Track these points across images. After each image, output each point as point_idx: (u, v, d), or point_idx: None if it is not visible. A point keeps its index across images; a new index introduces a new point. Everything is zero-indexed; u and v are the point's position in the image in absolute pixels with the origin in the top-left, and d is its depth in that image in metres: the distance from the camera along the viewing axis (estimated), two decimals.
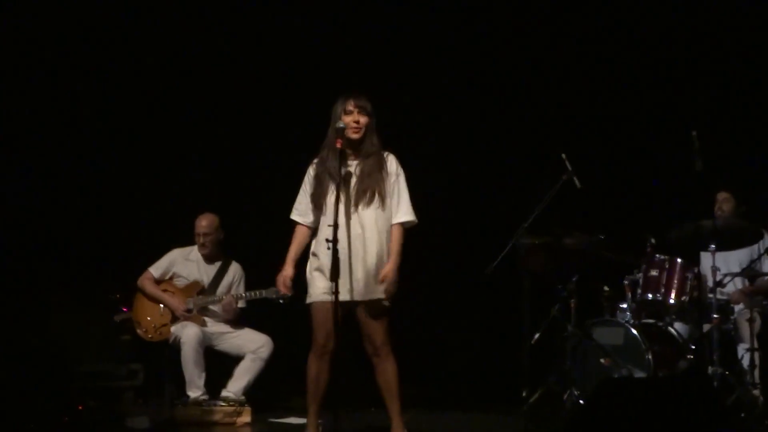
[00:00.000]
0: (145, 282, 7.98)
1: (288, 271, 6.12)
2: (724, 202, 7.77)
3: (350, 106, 6.05)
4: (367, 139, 6.09)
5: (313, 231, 6.15)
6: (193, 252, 8.09)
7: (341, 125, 5.99)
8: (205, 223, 8.01)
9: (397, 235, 6.09)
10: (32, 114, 8.79)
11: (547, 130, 9.00)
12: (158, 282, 7.99)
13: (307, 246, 6.21)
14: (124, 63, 9.00)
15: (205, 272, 8.04)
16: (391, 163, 6.15)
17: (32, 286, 8.41)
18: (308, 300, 6.07)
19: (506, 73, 9.28)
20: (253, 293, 7.79)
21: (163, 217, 8.80)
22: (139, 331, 7.89)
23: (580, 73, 9.18)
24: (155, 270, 8.01)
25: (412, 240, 6.28)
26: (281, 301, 7.45)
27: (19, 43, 8.70)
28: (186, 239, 8.14)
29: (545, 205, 7.42)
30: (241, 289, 8.01)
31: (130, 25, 8.97)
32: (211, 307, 7.94)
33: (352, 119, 6.03)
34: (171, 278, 8.02)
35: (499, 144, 9.24)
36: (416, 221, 6.16)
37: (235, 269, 8.10)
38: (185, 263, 8.04)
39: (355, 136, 6.03)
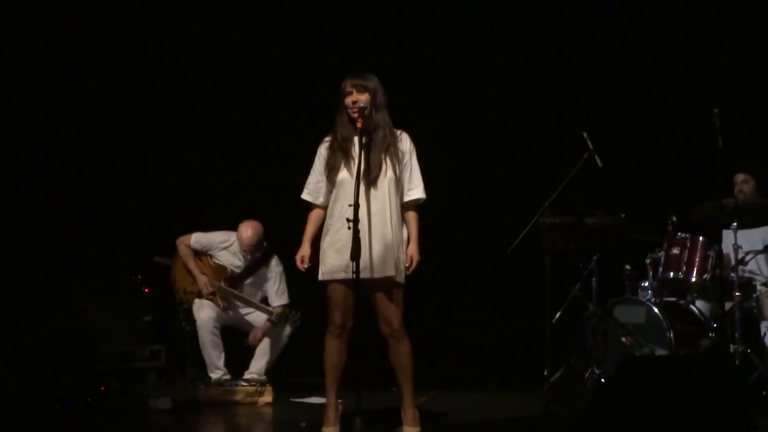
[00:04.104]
0: (181, 246, 7.91)
1: (305, 250, 6.08)
2: (744, 183, 7.69)
3: (348, 87, 5.93)
4: (372, 115, 5.92)
5: (326, 209, 6.04)
6: (233, 240, 7.97)
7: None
8: (253, 239, 7.84)
9: (414, 214, 6.02)
10: (56, 103, 8.82)
11: (569, 108, 8.97)
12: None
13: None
14: (158, 60, 9.03)
15: (239, 263, 7.95)
16: (404, 141, 6.02)
17: (54, 269, 8.45)
18: (321, 277, 5.98)
19: (527, 50, 9.25)
20: (276, 317, 7.76)
21: (185, 199, 8.81)
22: (173, 286, 7.93)
23: (601, 51, 9.13)
24: (196, 242, 7.92)
25: (434, 219, 6.26)
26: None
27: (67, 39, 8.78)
28: (205, 222, 8.09)
29: (567, 184, 7.41)
30: (276, 287, 7.93)
31: (168, 23, 9.00)
32: (237, 303, 7.92)
33: (351, 100, 5.91)
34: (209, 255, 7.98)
35: (520, 122, 9.21)
36: (425, 197, 6.05)
37: (274, 266, 7.95)
38: (223, 251, 7.95)
39: (355, 116, 5.89)
